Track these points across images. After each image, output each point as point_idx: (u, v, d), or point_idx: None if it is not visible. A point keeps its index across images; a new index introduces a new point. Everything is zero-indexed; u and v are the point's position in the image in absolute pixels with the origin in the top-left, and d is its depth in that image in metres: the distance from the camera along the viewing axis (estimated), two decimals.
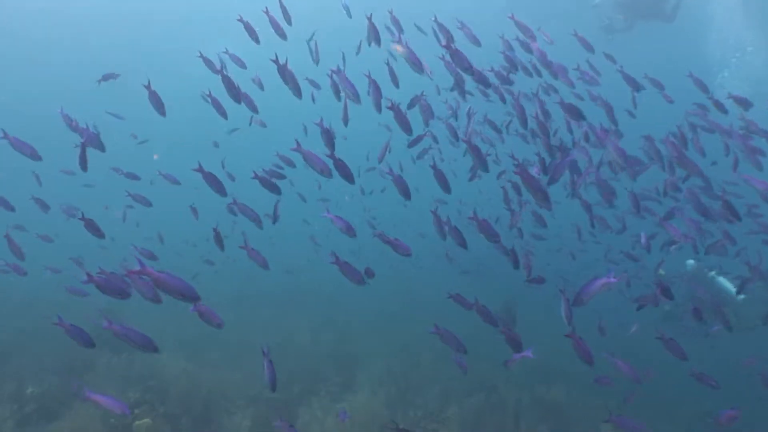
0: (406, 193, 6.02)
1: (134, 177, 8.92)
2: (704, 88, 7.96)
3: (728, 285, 10.20)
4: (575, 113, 6.58)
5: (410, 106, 7.17)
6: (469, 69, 6.07)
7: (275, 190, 6.37)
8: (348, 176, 5.54)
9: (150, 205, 8.61)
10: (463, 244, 6.07)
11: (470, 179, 7.84)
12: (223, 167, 10.17)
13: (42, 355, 8.97)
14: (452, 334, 5.42)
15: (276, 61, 5.94)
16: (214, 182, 6.21)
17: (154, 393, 8.05)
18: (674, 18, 19.06)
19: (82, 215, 5.84)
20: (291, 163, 8.12)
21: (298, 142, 5.55)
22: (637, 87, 7.94)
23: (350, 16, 8.37)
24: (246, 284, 16.72)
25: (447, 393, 8.89)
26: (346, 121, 6.62)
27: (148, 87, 6.34)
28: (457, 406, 8.35)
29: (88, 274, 4.71)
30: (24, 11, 29.87)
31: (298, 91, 6.34)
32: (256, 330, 10.90)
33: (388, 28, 7.81)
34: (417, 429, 7.46)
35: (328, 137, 5.92)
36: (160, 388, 8.21)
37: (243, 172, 9.14)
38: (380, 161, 7.40)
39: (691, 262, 10.79)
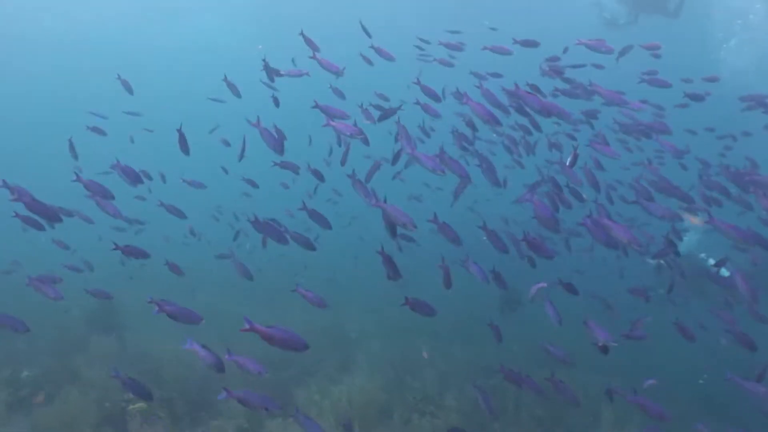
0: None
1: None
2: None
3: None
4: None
5: (382, 118, 7.39)
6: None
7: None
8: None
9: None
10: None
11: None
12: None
13: (35, 337, 8.87)
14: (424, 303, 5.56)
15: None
16: None
17: (149, 376, 7.97)
18: (679, 14, 18.73)
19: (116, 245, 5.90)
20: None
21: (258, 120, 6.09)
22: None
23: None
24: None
25: (445, 376, 8.84)
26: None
27: (179, 131, 6.43)
28: (456, 389, 8.31)
29: (158, 304, 4.85)
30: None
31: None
32: (251, 311, 10.79)
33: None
34: (415, 413, 7.41)
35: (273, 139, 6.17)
36: (155, 371, 8.14)
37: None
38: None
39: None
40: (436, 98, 7.49)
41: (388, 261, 5.67)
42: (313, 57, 7.10)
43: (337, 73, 7.22)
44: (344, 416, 6.98)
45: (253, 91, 8.87)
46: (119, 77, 8.90)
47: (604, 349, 6.14)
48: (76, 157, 7.78)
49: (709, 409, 9.41)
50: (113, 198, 6.24)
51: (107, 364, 8.16)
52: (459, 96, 7.08)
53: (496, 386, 8.67)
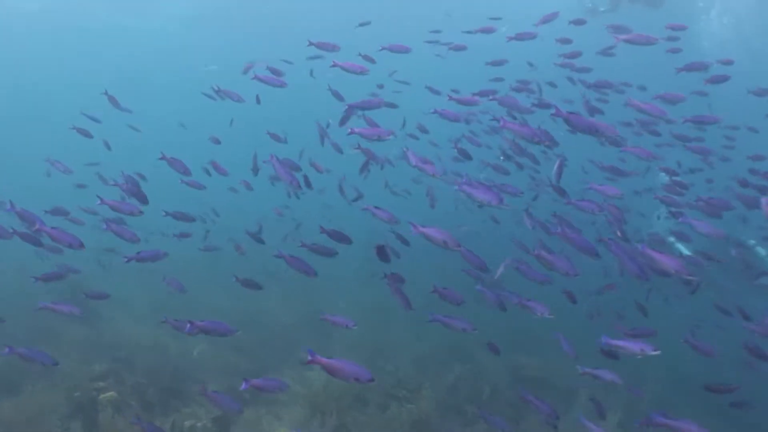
0: None
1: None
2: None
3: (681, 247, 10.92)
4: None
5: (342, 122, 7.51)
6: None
7: None
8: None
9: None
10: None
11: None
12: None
13: (5, 325, 8.76)
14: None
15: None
16: None
17: (122, 364, 7.92)
18: (662, 3, 18.70)
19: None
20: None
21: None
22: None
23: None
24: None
25: (421, 360, 8.89)
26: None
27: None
28: (432, 372, 8.37)
29: (191, 323, 5.04)
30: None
31: None
32: (228, 297, 10.75)
33: None
34: (392, 400, 7.43)
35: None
36: (128, 359, 8.09)
37: None
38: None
39: None
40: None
41: (398, 291, 5.99)
42: (335, 65, 7.07)
43: (363, 73, 7.18)
44: (320, 404, 6.98)
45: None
46: (106, 93, 8.88)
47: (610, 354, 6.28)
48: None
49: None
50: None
51: (80, 353, 8.13)
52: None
53: (473, 370, 8.75)
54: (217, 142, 9.55)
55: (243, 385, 5.02)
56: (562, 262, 5.41)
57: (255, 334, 9.51)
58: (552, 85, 10.56)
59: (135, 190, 6.73)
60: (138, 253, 6.11)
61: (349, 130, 6.23)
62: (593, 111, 8.65)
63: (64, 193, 11.38)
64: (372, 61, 8.22)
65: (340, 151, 8.67)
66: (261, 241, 8.30)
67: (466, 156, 8.57)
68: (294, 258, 5.97)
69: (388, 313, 10.46)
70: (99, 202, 6.24)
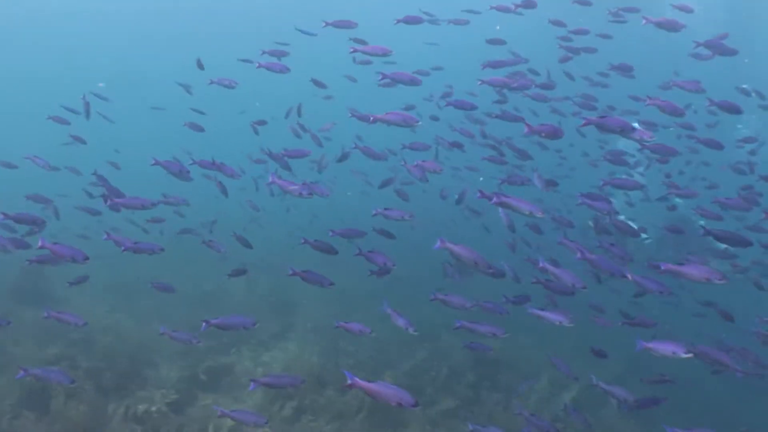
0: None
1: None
2: None
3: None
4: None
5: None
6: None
7: None
8: None
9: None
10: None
11: None
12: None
13: None
14: (315, 274, 5.70)
15: None
16: None
17: (77, 347, 7.79)
18: None
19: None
20: None
21: None
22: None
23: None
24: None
25: (383, 342, 8.90)
26: None
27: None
28: (395, 355, 8.41)
29: (206, 321, 5.36)
30: None
31: None
32: (190, 278, 10.60)
33: None
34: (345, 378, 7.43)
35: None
36: (84, 341, 7.95)
37: None
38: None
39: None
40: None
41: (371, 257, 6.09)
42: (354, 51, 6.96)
43: (387, 54, 7.02)
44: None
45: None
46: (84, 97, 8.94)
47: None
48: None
49: None
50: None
51: (32, 336, 7.94)
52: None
53: (434, 352, 8.82)
54: (200, 129, 9.36)
55: (203, 327, 5.21)
56: (568, 276, 5.38)
57: (213, 315, 9.41)
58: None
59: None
60: (135, 243, 6.05)
61: (372, 118, 6.13)
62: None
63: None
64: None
65: (320, 144, 8.75)
66: (248, 246, 8.23)
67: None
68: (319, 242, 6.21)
69: (353, 297, 10.48)
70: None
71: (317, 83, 9.45)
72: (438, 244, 5.01)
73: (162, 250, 6.12)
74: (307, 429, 6.25)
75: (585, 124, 5.30)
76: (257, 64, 7.42)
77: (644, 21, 7.36)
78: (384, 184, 8.58)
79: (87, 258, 5.13)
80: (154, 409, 6.30)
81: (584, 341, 7.26)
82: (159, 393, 6.79)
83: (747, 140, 10.41)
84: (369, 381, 3.89)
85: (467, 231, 13.06)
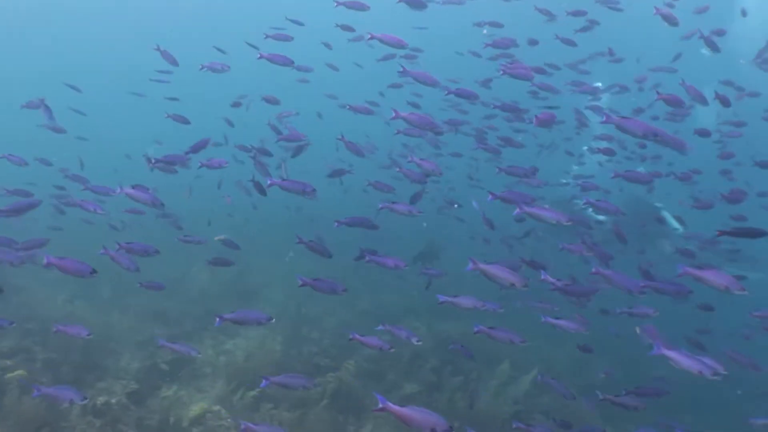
0: None
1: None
2: None
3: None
4: None
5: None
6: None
7: None
8: None
9: None
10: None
11: None
12: None
13: None
14: (327, 282, 5.62)
15: None
16: None
17: (33, 338, 7.64)
18: None
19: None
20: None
21: None
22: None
23: None
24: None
25: (347, 327, 8.93)
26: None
27: None
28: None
29: (220, 317, 5.27)
30: None
31: None
32: (152, 266, 10.43)
33: None
34: (310, 366, 7.47)
35: None
36: (40, 332, 7.79)
37: None
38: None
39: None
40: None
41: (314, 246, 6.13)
42: (372, 37, 6.94)
43: (403, 46, 7.05)
44: (237, 375, 6.95)
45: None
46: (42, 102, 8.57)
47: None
48: None
49: None
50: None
51: None
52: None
53: (394, 337, 8.86)
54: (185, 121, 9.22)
55: (217, 322, 5.16)
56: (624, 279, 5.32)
57: (176, 303, 9.35)
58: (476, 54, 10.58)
59: None
60: (129, 243, 6.05)
61: (394, 114, 6.16)
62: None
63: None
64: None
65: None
66: (236, 247, 8.41)
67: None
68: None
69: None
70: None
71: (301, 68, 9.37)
72: (470, 266, 4.83)
73: (157, 252, 6.08)
74: (267, 417, 6.25)
75: (606, 122, 5.26)
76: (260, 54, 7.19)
77: (655, 11, 7.65)
78: (334, 174, 8.47)
79: (94, 272, 5.10)
80: (114, 401, 6.23)
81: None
82: (119, 384, 6.71)
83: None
84: (401, 406, 3.79)
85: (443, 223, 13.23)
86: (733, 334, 9.73)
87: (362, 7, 7.45)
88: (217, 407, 6.36)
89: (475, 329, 5.28)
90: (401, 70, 6.66)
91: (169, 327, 8.39)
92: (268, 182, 5.89)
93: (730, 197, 8.04)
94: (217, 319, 5.05)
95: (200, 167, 6.95)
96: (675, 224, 12.22)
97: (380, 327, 6.23)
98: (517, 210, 5.29)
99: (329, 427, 6.19)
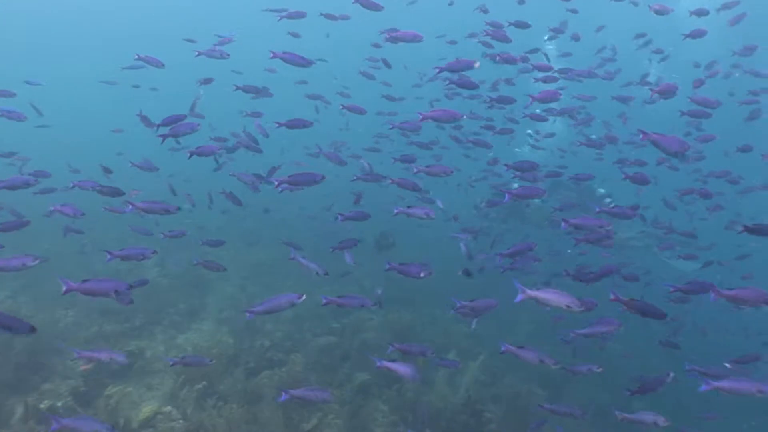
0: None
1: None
2: None
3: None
4: None
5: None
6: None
7: None
8: None
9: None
10: None
11: None
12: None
13: None
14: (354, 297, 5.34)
15: None
16: None
17: None
18: None
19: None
20: None
21: None
22: None
23: None
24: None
25: (299, 319, 8.95)
26: None
27: None
28: (309, 332, 8.47)
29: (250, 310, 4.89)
30: None
31: None
32: (100, 259, 10.18)
33: None
34: (263, 362, 7.45)
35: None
36: None
37: None
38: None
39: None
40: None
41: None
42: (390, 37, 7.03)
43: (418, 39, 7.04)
44: (188, 371, 6.87)
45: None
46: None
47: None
48: None
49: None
50: None
51: None
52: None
53: (344, 326, 8.94)
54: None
55: (248, 316, 4.88)
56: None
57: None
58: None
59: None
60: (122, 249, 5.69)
61: (421, 117, 6.05)
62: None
63: None
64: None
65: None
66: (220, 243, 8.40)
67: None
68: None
69: (271, 274, 10.43)
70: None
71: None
72: (520, 296, 4.54)
73: (155, 252, 5.71)
74: (215, 413, 6.21)
75: (644, 138, 5.27)
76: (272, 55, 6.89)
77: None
78: (270, 173, 8.38)
79: (130, 288, 4.89)
80: (59, 404, 6.10)
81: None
82: (66, 385, 6.57)
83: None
84: None
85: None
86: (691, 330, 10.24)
87: (377, 8, 7.34)
88: (168, 408, 6.29)
89: (503, 348, 4.94)
90: (437, 71, 6.64)
91: (119, 323, 8.20)
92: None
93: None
94: (248, 314, 4.89)
95: (190, 157, 6.62)
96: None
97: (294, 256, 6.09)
98: (563, 225, 5.51)
99: (282, 424, 6.19)
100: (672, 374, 5.56)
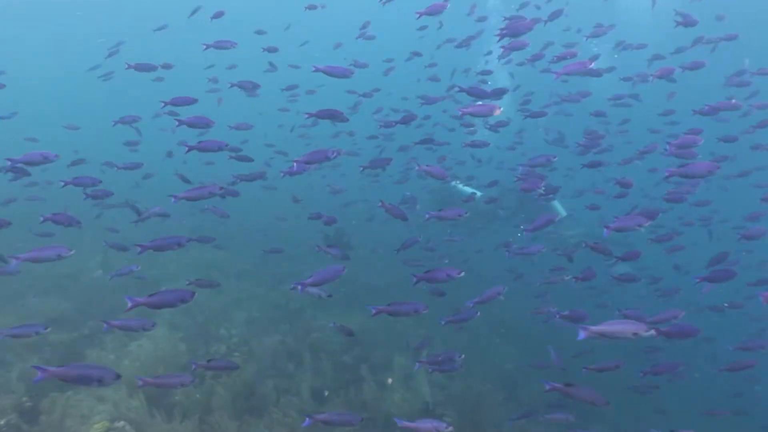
0: None
1: None
2: None
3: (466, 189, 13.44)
4: None
5: None
6: None
7: None
8: None
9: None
10: None
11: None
12: None
13: None
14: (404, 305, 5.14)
15: None
16: None
17: None
18: None
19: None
20: None
21: None
22: None
23: None
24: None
25: (252, 322, 8.83)
26: None
27: None
28: (263, 336, 8.36)
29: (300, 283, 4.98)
30: None
31: None
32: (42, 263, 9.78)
33: None
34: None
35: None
36: None
37: None
38: None
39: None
40: None
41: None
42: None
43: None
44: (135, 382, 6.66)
45: None
46: None
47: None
48: None
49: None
50: None
51: None
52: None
53: (301, 328, 8.87)
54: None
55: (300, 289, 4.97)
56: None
57: (71, 301, 8.85)
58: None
59: None
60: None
61: (460, 113, 6.21)
62: None
63: None
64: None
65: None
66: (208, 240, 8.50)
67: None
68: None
69: (222, 275, 10.23)
70: None
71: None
72: (582, 334, 4.14)
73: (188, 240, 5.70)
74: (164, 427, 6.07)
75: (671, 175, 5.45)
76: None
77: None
78: (252, 178, 8.24)
79: (153, 325, 5.18)
80: (2, 422, 5.85)
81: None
82: (9, 400, 6.29)
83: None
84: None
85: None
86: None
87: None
88: (121, 423, 6.11)
89: (547, 387, 4.54)
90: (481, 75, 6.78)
91: (68, 331, 7.92)
92: None
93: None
94: (299, 287, 4.95)
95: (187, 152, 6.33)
96: (560, 210, 13.01)
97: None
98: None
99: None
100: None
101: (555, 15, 8.81)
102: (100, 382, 3.97)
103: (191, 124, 6.53)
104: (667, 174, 5.66)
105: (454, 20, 12.13)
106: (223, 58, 10.97)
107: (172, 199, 5.57)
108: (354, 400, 7.06)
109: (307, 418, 4.67)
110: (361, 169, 7.44)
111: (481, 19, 11.30)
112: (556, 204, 13.40)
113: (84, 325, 8.12)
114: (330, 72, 6.52)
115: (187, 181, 8.41)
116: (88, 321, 8.22)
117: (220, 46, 7.94)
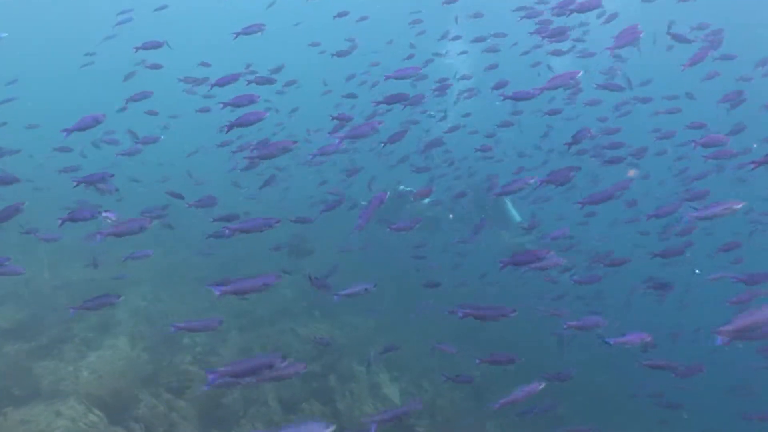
0: None
1: None
2: None
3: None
4: None
5: None
6: None
7: None
8: None
9: None
10: None
11: None
12: None
13: None
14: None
15: None
16: None
17: None
18: None
19: None
20: None
21: None
22: None
23: None
24: None
25: (218, 329, 8.61)
26: None
27: None
28: (230, 344, 8.20)
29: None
30: None
31: None
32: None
33: None
34: (185, 379, 7.11)
35: None
36: None
37: None
38: None
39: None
40: None
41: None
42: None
43: None
44: (95, 395, 6.45)
45: None
46: None
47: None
48: None
49: None
50: None
51: None
52: None
53: (263, 340, 8.73)
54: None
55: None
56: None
57: (23, 310, 8.47)
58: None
59: None
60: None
61: (503, 97, 6.24)
62: None
63: None
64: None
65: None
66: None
67: None
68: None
69: (183, 282, 10.01)
70: None
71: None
72: (719, 340, 3.89)
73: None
74: None
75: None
76: None
77: None
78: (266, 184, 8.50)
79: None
80: None
81: None
82: None
83: None
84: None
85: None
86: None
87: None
88: None
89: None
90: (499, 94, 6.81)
91: (25, 341, 7.59)
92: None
93: None
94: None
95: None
96: (515, 215, 13.12)
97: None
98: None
99: None
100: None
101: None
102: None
103: (236, 105, 6.41)
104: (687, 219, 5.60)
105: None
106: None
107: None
108: (324, 410, 6.99)
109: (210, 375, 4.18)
110: (382, 145, 7.42)
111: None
112: (510, 207, 13.31)
113: (41, 335, 7.80)
114: (401, 76, 6.94)
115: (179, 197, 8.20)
116: (43, 332, 7.89)
117: (248, 32, 7.59)
